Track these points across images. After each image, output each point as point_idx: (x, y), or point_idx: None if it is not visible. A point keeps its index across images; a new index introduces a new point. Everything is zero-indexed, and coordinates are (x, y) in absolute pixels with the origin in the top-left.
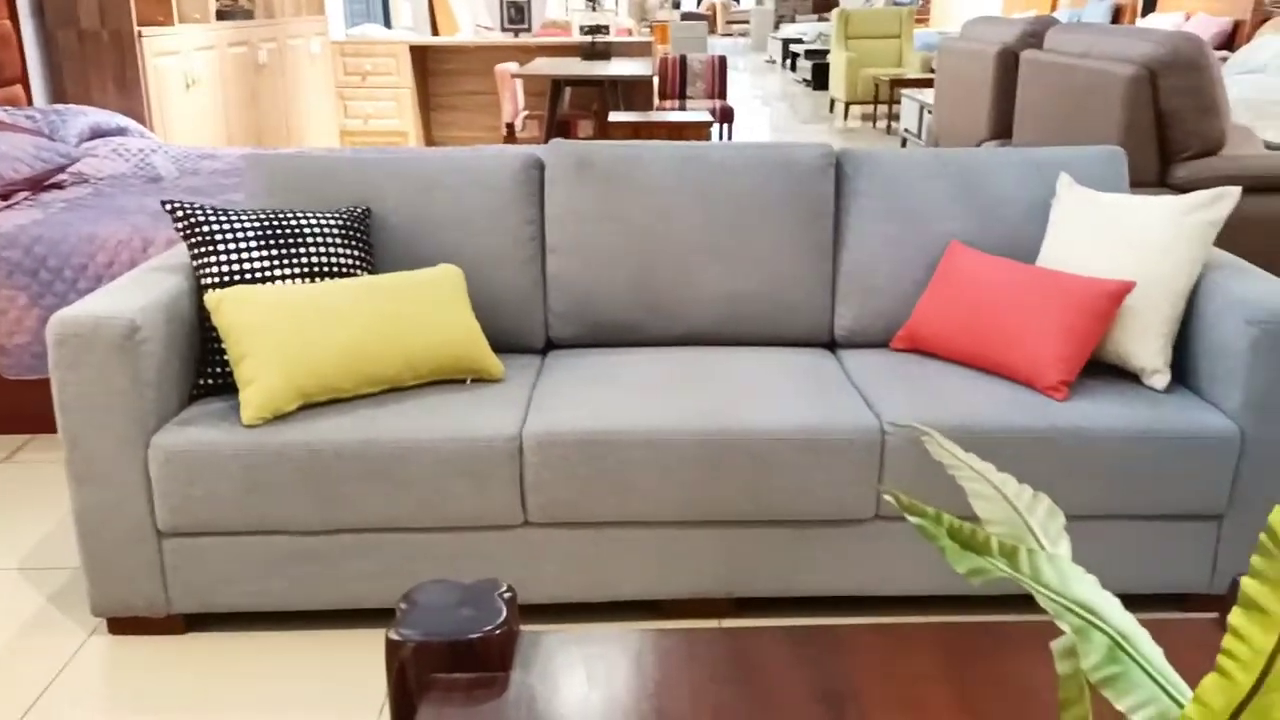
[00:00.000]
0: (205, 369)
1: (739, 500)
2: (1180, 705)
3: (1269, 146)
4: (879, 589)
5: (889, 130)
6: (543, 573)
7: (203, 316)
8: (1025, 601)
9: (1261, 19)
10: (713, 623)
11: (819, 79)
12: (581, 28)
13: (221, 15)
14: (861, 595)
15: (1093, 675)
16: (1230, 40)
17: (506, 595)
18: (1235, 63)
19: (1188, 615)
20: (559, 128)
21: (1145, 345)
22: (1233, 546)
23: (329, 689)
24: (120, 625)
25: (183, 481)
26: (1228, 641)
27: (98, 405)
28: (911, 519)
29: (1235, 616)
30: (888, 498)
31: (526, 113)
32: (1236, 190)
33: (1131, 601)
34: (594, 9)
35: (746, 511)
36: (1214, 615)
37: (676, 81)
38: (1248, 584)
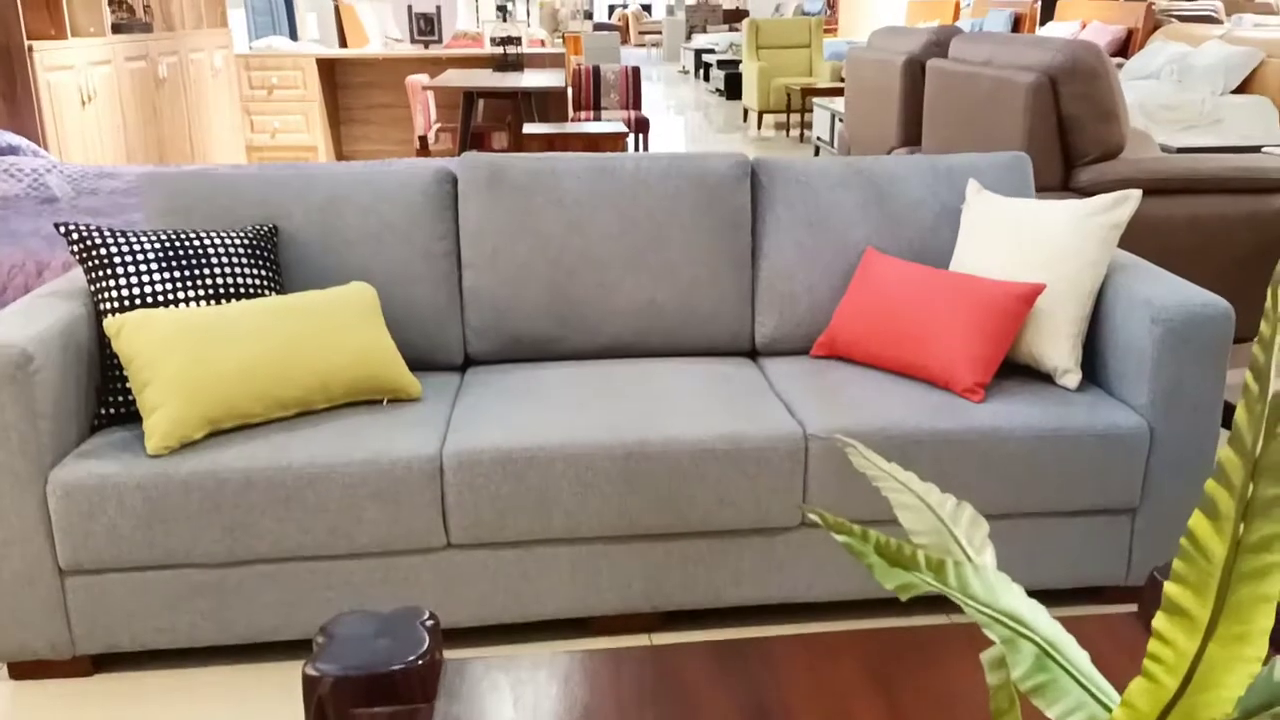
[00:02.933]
0: (106, 397)
1: (662, 513)
2: (1109, 709)
3: (1165, 150)
4: (806, 595)
5: (802, 139)
6: (466, 595)
7: (103, 343)
8: (949, 602)
9: (1153, 27)
10: (641, 637)
11: (732, 89)
12: (493, 39)
13: (118, 28)
14: (789, 603)
15: (1022, 684)
16: (1124, 47)
17: (428, 623)
18: (1130, 69)
19: (1107, 609)
20: (473, 140)
21: (1056, 346)
22: (1146, 539)
23: None
24: (22, 669)
25: (84, 517)
26: (1152, 646)
27: None
28: (838, 537)
29: (1159, 621)
30: (812, 516)
31: (439, 125)
32: (1137, 193)
33: (1050, 596)
34: (505, 20)
35: (670, 524)
36: (1132, 608)
37: (590, 92)
38: (1170, 588)
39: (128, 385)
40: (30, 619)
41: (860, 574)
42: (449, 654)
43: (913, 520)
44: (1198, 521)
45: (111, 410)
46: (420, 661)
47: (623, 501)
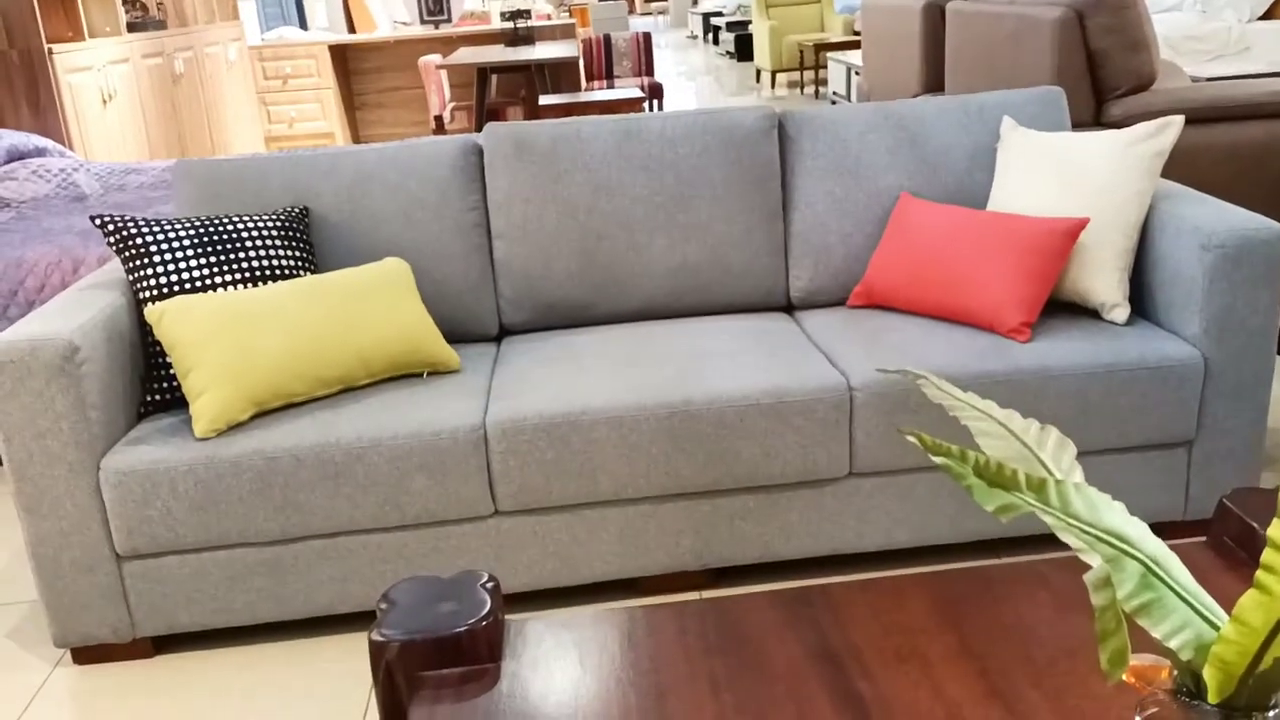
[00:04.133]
0: (152, 384)
1: (709, 470)
2: (1216, 627)
3: (1195, 81)
4: (857, 546)
5: (817, 95)
6: (516, 561)
7: (144, 331)
8: (1006, 545)
9: None
10: (692, 595)
11: (743, 50)
12: (502, 14)
13: (133, 27)
14: (839, 554)
15: (1128, 604)
16: None
17: (489, 585)
18: (1150, 2)
19: (1173, 542)
20: (488, 116)
21: (1102, 280)
22: (1204, 471)
23: (308, 699)
24: (85, 655)
25: (137, 502)
26: (1267, 556)
27: (42, 432)
28: (937, 459)
29: (1275, 529)
30: (910, 439)
31: (454, 104)
32: (1180, 119)
33: None
34: None
35: (717, 481)
36: (1200, 539)
37: (602, 61)
38: None
39: (172, 371)
40: (90, 605)
41: (910, 521)
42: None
43: (997, 448)
44: None
45: (157, 396)
46: (484, 623)
47: (668, 461)
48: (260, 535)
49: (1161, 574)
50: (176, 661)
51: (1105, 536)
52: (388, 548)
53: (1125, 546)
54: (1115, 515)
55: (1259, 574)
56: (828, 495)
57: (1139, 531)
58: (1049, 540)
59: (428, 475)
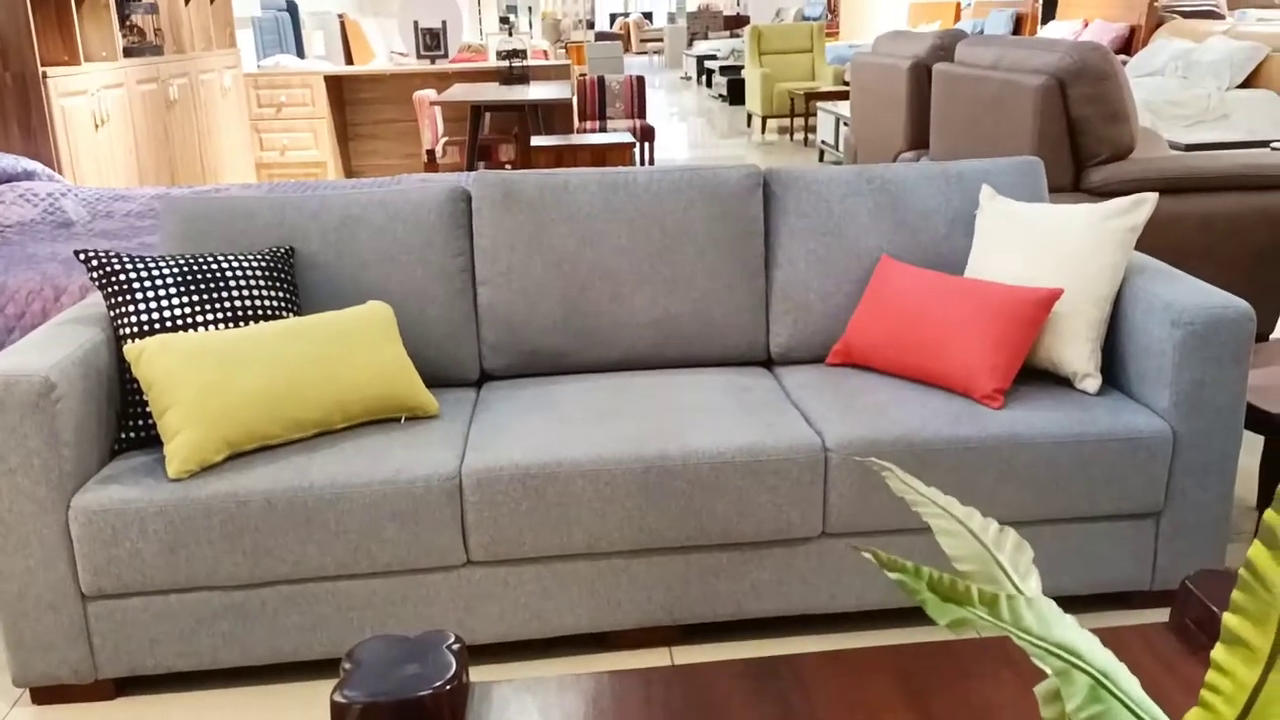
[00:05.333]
0: (127, 422)
1: (682, 526)
2: None
3: (1174, 146)
4: (828, 606)
5: (806, 142)
6: (486, 612)
7: (123, 368)
8: None
9: (1156, 23)
10: (662, 651)
11: (735, 94)
12: (499, 53)
13: (129, 52)
14: (811, 614)
15: (1076, 717)
16: (1128, 44)
17: (455, 647)
18: (1133, 66)
19: (1133, 615)
20: (480, 152)
21: (1075, 350)
22: (1171, 543)
23: None
24: (45, 695)
25: (106, 542)
26: (1211, 677)
27: (13, 468)
28: (892, 575)
29: (1218, 652)
30: (866, 555)
31: (446, 139)
32: (1154, 197)
33: (1074, 603)
34: (510, 33)
35: (690, 536)
36: (1161, 615)
37: (595, 102)
38: (1230, 619)
39: (148, 410)
40: (52, 644)
41: (881, 584)
42: (472, 672)
43: (955, 546)
44: (1257, 552)
45: (132, 435)
46: (448, 687)
47: (642, 515)
48: (228, 579)
49: (1110, 686)
50: (137, 705)
51: (1055, 650)
52: (356, 595)
53: (1075, 660)
54: (1066, 629)
55: (1204, 693)
56: (800, 555)
57: (1089, 644)
58: None
59: (400, 523)
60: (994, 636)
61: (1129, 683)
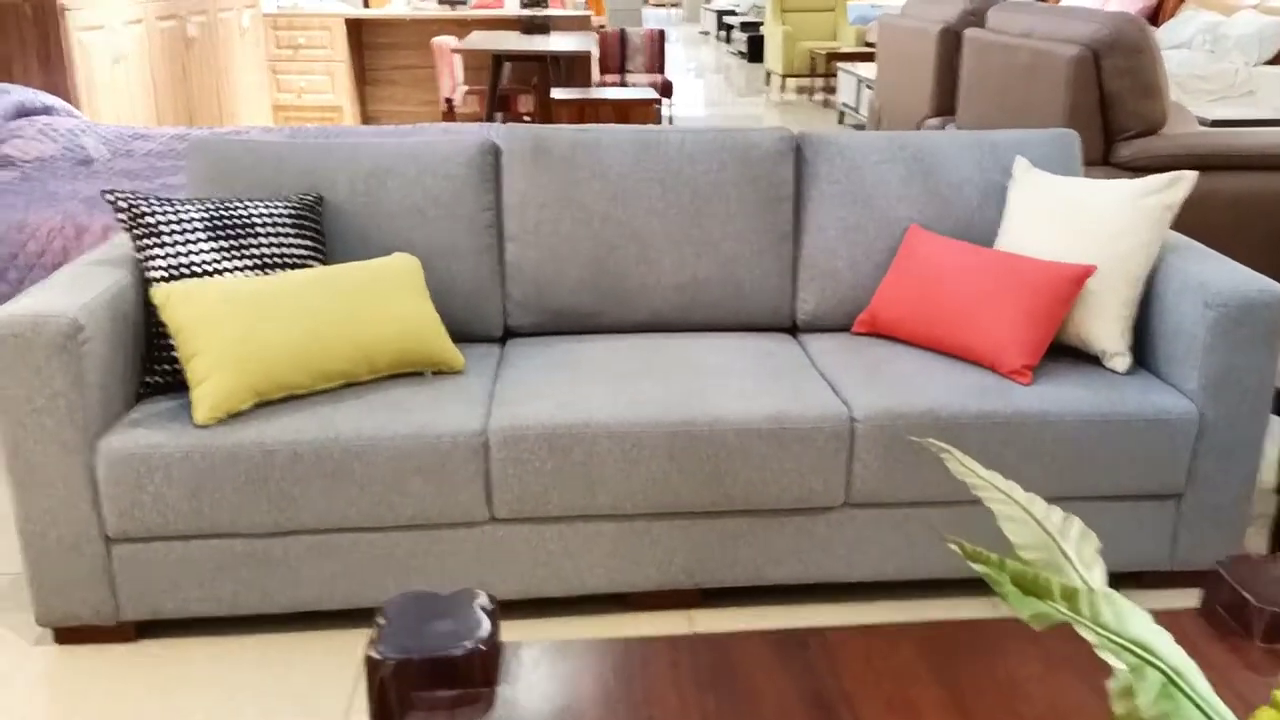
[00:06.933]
0: (152, 366)
1: (706, 490)
2: None
3: (1201, 122)
4: (848, 575)
5: (826, 104)
6: (508, 570)
7: (148, 311)
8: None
9: None
10: (681, 614)
11: (754, 51)
12: (521, 1)
13: None
14: (830, 583)
15: (1147, 713)
16: (1154, 15)
17: (488, 606)
18: (1160, 38)
19: (1152, 595)
20: (500, 102)
21: (1105, 328)
22: (1192, 524)
23: (288, 694)
24: (67, 635)
25: (131, 486)
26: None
27: (39, 409)
28: (976, 567)
29: None
30: (953, 547)
31: (465, 88)
32: (1192, 175)
33: None
34: None
35: (714, 501)
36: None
37: (617, 55)
38: None
39: (174, 354)
40: (75, 585)
41: (903, 555)
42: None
43: (1019, 533)
44: None
45: (158, 379)
46: (482, 646)
47: (667, 478)
48: (252, 527)
49: (1182, 684)
50: (158, 647)
51: (1130, 645)
52: (378, 548)
53: (1148, 656)
54: (1141, 625)
55: (1276, 693)
56: (821, 524)
57: (1163, 641)
58: None
59: (425, 478)
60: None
61: (1200, 681)
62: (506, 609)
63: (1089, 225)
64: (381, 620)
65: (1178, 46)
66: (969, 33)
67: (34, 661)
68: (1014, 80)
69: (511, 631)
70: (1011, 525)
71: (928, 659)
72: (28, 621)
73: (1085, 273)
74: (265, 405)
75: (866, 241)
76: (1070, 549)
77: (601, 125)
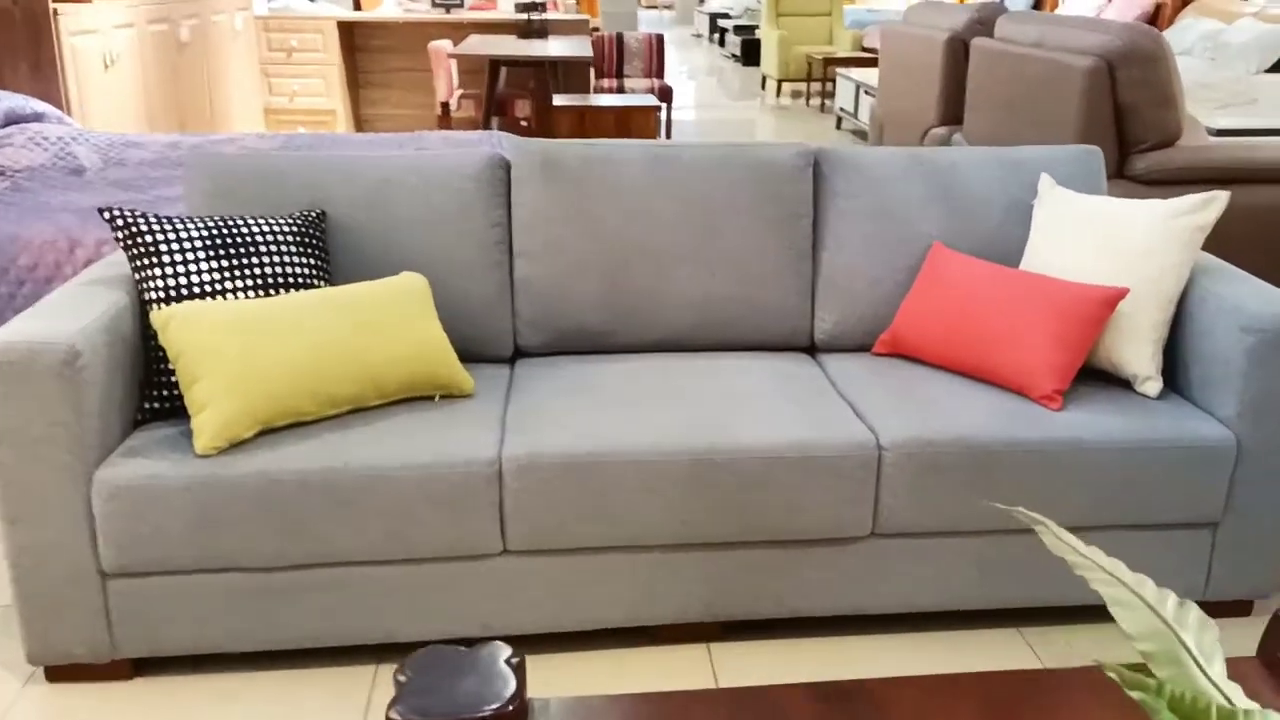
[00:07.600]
0: (151, 391)
1: (728, 521)
2: None
3: (1211, 132)
4: (875, 608)
5: (823, 108)
6: (522, 603)
7: (147, 334)
8: (1025, 615)
9: (1183, 2)
10: (701, 647)
11: (749, 55)
12: (517, 5)
13: None
14: (855, 614)
15: None
16: (1152, 22)
17: (514, 661)
18: None
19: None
20: (496, 107)
21: (1136, 351)
22: (1228, 554)
23: None
24: (59, 673)
25: (129, 518)
26: None
27: (35, 438)
28: (1133, 693)
29: None
30: (1111, 675)
31: (462, 92)
32: (1224, 195)
33: None
34: None
35: (736, 532)
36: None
37: (614, 60)
38: None
39: (173, 379)
40: (69, 621)
41: (931, 587)
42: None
43: (1132, 622)
44: None
45: (156, 405)
46: (510, 708)
47: (687, 509)
48: (255, 561)
49: None
50: (155, 686)
51: None
52: (387, 581)
53: None
54: None
55: None
56: (848, 554)
57: None
58: (1069, 612)
59: (437, 509)
60: (1080, 669)
61: None
62: (519, 643)
63: (1118, 245)
64: (402, 677)
65: (1179, 54)
66: (977, 41)
67: (24, 701)
68: (1024, 90)
69: (526, 666)
70: (1123, 612)
71: (981, 715)
72: (18, 659)
73: (1118, 295)
74: (269, 433)
75: (887, 260)
76: (1190, 639)
77: (614, 140)
